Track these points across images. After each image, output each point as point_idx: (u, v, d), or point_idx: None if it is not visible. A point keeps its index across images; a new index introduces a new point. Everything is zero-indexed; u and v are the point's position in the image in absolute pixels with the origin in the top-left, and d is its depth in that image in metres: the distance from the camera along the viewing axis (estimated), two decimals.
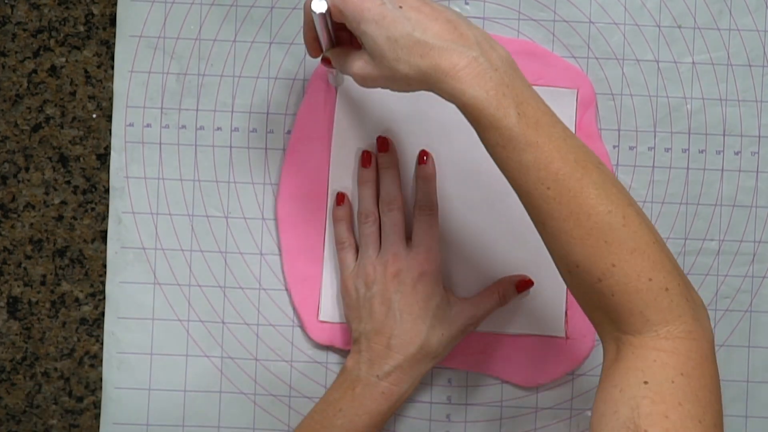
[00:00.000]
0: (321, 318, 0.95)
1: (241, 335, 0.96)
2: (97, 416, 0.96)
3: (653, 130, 0.96)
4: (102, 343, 0.96)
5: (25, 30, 0.96)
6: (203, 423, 0.96)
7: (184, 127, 0.96)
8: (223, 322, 0.96)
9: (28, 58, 0.96)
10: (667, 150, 0.96)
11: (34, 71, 0.96)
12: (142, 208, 0.96)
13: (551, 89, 0.95)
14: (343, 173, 0.95)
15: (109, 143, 0.96)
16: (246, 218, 0.96)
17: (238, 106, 0.96)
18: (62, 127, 0.97)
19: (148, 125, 0.96)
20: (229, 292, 0.96)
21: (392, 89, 0.80)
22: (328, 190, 0.95)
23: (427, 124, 0.95)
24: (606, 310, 0.75)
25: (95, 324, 0.97)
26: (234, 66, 0.96)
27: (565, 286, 0.95)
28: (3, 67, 0.96)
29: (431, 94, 0.94)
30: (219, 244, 0.96)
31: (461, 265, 0.95)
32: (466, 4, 0.96)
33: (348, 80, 0.94)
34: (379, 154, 0.94)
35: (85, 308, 0.97)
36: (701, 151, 0.96)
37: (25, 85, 0.96)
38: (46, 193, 0.97)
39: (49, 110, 0.97)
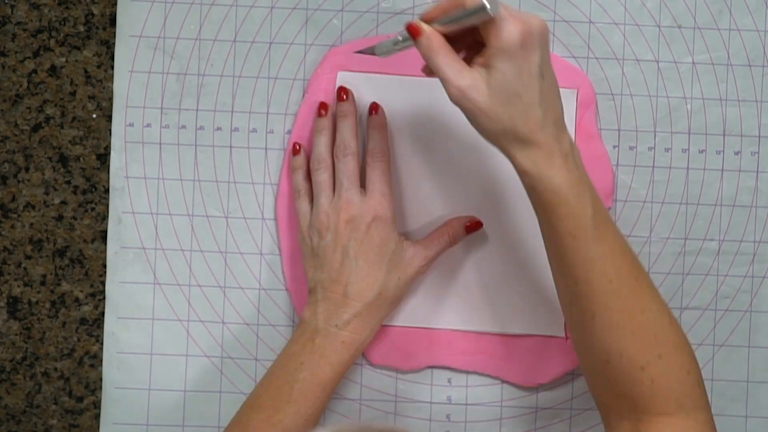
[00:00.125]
0: None
1: (241, 335, 0.96)
2: (97, 416, 0.96)
3: (653, 130, 0.96)
4: (102, 343, 0.96)
5: (25, 30, 0.96)
6: (203, 423, 0.96)
7: (184, 127, 0.96)
8: (223, 322, 0.96)
9: (28, 58, 0.96)
10: (667, 150, 0.96)
11: (34, 71, 0.96)
12: (142, 208, 0.96)
13: None
14: None
15: (109, 143, 0.96)
16: (246, 218, 0.96)
17: (238, 106, 0.96)
18: (62, 127, 0.97)
19: (148, 125, 0.96)
20: (229, 292, 0.96)
21: (473, 121, 0.80)
22: None
23: (427, 123, 0.95)
24: (637, 397, 0.82)
25: (95, 324, 0.97)
26: (234, 66, 0.96)
27: None
28: (3, 67, 0.96)
29: (431, 94, 0.94)
30: (219, 244, 0.96)
31: (460, 267, 0.95)
32: None
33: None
34: (338, 103, 0.93)
35: (85, 308, 0.97)
36: (701, 151, 0.96)
37: (25, 85, 0.96)
38: (46, 193, 0.97)
39: (49, 110, 0.97)
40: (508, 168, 0.95)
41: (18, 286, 0.97)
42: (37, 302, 0.97)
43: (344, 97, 0.92)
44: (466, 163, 0.95)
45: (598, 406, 0.85)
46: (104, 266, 0.96)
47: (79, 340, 0.97)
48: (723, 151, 0.96)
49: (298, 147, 0.93)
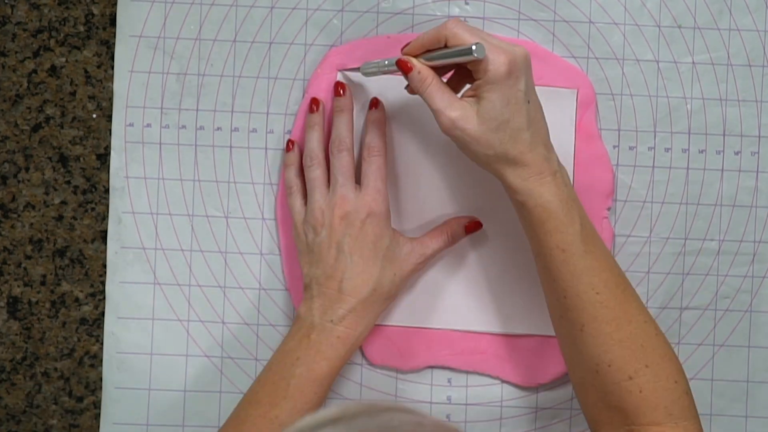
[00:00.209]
0: None
1: (241, 335, 0.96)
2: (97, 416, 0.96)
3: (653, 130, 0.96)
4: (102, 343, 0.96)
5: (25, 30, 0.96)
6: (203, 423, 0.96)
7: (184, 127, 0.96)
8: (223, 322, 0.96)
9: (28, 58, 0.96)
10: (667, 150, 0.96)
11: (34, 71, 0.96)
12: (142, 208, 0.96)
13: (551, 89, 0.95)
14: None
15: (109, 143, 0.96)
16: (246, 218, 0.96)
17: (238, 106, 0.96)
18: (62, 127, 0.97)
19: (148, 125, 0.96)
20: (229, 292, 0.96)
21: (465, 149, 0.85)
22: None
23: (427, 123, 0.95)
24: (627, 406, 0.84)
25: (95, 324, 0.97)
26: (234, 66, 0.96)
27: None
28: (3, 67, 0.96)
29: None
30: (219, 244, 0.96)
31: (460, 267, 0.95)
32: (466, 4, 0.96)
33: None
34: (335, 98, 0.93)
35: (85, 308, 0.97)
36: (701, 151, 0.96)
37: (25, 85, 0.96)
38: (46, 193, 0.97)
39: (49, 110, 0.97)
40: None
41: (18, 286, 0.97)
42: (37, 302, 0.97)
43: (341, 92, 0.92)
44: (466, 162, 0.95)
45: (589, 423, 0.87)
46: (104, 266, 0.96)
47: (79, 340, 0.97)
48: (723, 151, 0.96)
49: (291, 144, 0.94)
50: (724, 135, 0.96)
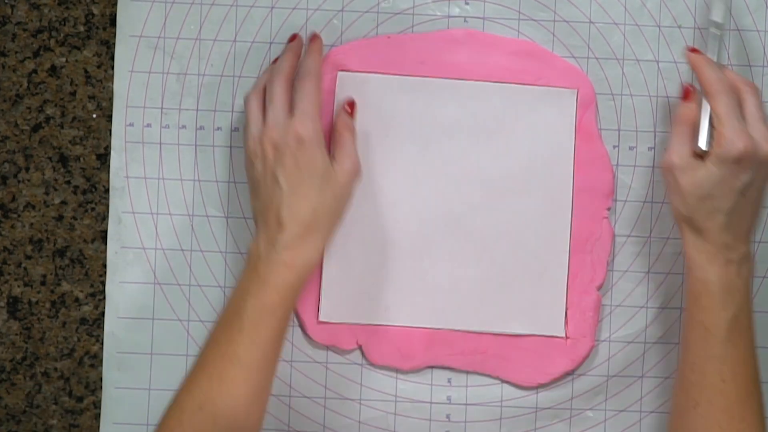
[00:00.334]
0: (321, 318, 0.95)
1: None
2: (97, 416, 0.96)
3: (653, 130, 0.96)
4: (102, 343, 0.96)
5: (25, 30, 0.96)
6: None
7: (184, 127, 0.96)
8: None
9: (28, 58, 0.96)
10: None
11: (34, 71, 0.97)
12: (142, 208, 0.96)
13: (551, 89, 0.95)
14: None
15: (109, 143, 0.96)
16: (246, 218, 0.96)
17: (238, 106, 0.96)
18: (62, 127, 0.97)
19: (148, 125, 0.96)
20: (229, 292, 0.96)
21: (668, 193, 0.89)
22: None
23: (427, 124, 0.95)
24: None
25: (95, 324, 0.97)
26: (234, 66, 0.96)
27: (565, 286, 0.95)
28: (3, 67, 0.96)
29: (431, 94, 0.94)
30: (219, 244, 0.96)
31: (460, 267, 0.95)
32: (467, 4, 0.96)
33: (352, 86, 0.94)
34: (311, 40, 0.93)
35: (85, 308, 0.97)
36: None
37: (25, 85, 0.96)
38: (46, 193, 0.97)
39: (49, 110, 0.97)
40: (508, 168, 0.95)
41: (18, 286, 0.97)
42: (37, 302, 0.97)
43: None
44: (466, 163, 0.95)
45: None
46: (104, 266, 0.96)
47: (79, 340, 0.97)
48: None
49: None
50: None
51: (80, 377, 0.97)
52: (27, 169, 0.97)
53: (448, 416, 0.96)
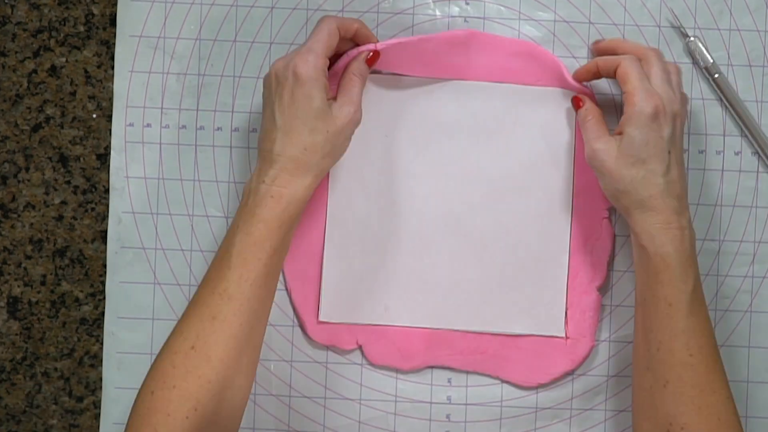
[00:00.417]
0: (321, 318, 0.95)
1: None
2: (97, 416, 0.96)
3: None
4: (102, 343, 0.96)
5: (25, 30, 0.96)
6: None
7: (184, 127, 0.96)
8: None
9: (28, 58, 0.96)
10: None
11: (34, 71, 0.97)
12: (142, 208, 0.96)
13: (551, 89, 0.95)
14: (342, 172, 0.95)
15: (109, 143, 0.96)
16: None
17: (238, 106, 0.96)
18: (62, 127, 0.97)
19: (148, 125, 0.96)
20: None
21: (600, 180, 0.89)
22: (328, 190, 0.95)
23: (427, 124, 0.95)
24: None
25: (95, 324, 0.97)
26: (234, 66, 0.96)
27: (565, 286, 0.95)
28: (3, 67, 0.96)
29: (431, 93, 0.94)
30: (219, 244, 0.96)
31: (460, 267, 0.95)
32: (467, 4, 0.96)
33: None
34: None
35: (85, 308, 0.97)
36: (701, 152, 0.96)
37: (25, 85, 0.96)
38: (46, 193, 0.97)
39: (49, 110, 0.97)
40: (508, 168, 0.95)
41: (18, 286, 0.97)
42: (37, 302, 0.97)
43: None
44: (466, 163, 0.95)
45: None
46: (104, 266, 0.96)
47: (79, 340, 0.97)
48: (723, 151, 0.96)
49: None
50: (724, 135, 0.96)
51: (80, 377, 0.97)
52: (27, 169, 0.97)
53: (448, 416, 0.96)
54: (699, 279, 0.86)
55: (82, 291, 0.97)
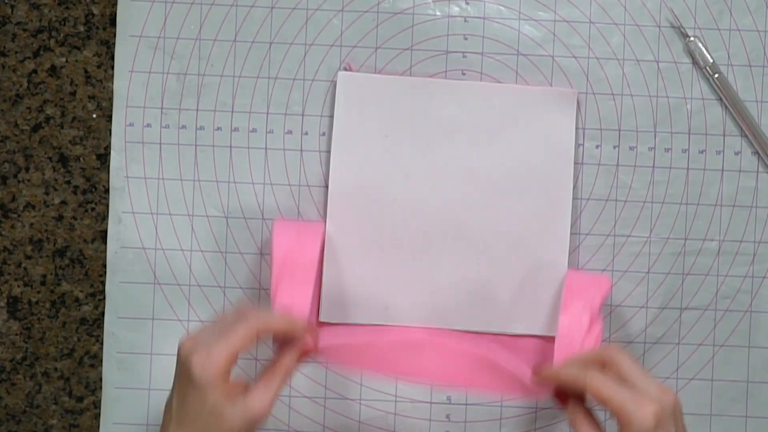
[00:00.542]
0: (321, 319, 0.95)
1: None
2: (97, 416, 0.96)
3: (653, 130, 0.96)
4: (102, 343, 0.96)
5: (25, 30, 0.96)
6: None
7: (184, 127, 0.96)
8: None
9: (28, 58, 0.96)
10: (667, 150, 0.96)
11: (34, 71, 0.97)
12: (142, 208, 0.96)
13: (551, 89, 0.95)
14: (343, 173, 0.95)
15: (109, 143, 0.96)
16: (246, 218, 0.96)
17: (238, 106, 0.96)
18: (62, 127, 0.97)
19: (148, 125, 0.96)
20: (229, 292, 0.96)
21: None
22: (328, 190, 0.95)
23: (427, 124, 0.95)
24: None
25: (95, 324, 0.97)
26: (234, 66, 0.96)
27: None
28: (3, 67, 0.96)
29: (431, 93, 0.94)
30: (219, 244, 0.96)
31: (460, 267, 0.95)
32: (467, 4, 0.96)
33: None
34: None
35: (85, 308, 0.97)
36: (701, 152, 0.96)
37: (25, 85, 0.96)
38: (46, 193, 0.97)
39: (49, 110, 0.97)
40: (508, 168, 0.95)
41: (18, 286, 0.97)
42: (37, 302, 0.97)
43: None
44: (465, 163, 0.95)
45: None
46: (104, 266, 0.96)
47: (79, 340, 0.97)
48: (723, 151, 0.96)
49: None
50: (724, 135, 0.96)
51: (80, 377, 0.97)
52: (27, 169, 0.97)
53: (448, 416, 0.96)
54: None
55: (82, 291, 0.97)
